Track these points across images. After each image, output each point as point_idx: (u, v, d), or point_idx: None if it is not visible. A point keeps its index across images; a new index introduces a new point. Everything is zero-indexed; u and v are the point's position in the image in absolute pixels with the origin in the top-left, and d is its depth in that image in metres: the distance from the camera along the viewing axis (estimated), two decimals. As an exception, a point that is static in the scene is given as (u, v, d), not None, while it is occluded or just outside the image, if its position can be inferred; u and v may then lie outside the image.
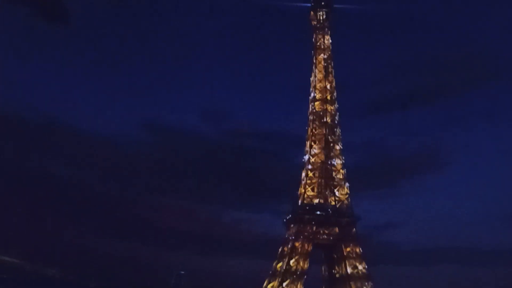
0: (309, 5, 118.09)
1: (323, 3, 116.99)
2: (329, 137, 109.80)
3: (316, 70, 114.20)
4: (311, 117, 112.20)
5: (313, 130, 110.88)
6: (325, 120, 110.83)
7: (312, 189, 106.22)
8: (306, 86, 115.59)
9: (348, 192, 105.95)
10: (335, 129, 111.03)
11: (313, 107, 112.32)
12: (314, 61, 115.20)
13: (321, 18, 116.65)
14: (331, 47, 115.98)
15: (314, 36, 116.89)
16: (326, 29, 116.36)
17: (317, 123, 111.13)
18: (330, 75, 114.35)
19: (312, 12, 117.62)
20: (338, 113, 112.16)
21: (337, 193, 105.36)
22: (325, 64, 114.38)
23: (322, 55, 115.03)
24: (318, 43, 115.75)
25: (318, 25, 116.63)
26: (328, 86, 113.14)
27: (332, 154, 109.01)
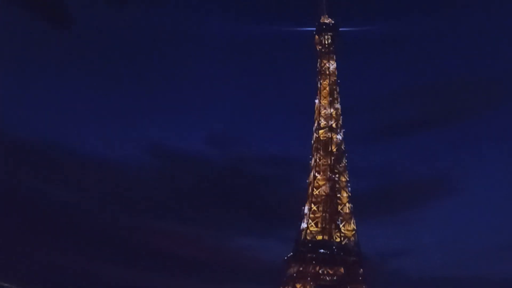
0: (314, 29, 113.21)
1: (328, 27, 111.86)
2: (334, 167, 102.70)
3: (321, 96, 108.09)
4: (315, 146, 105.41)
5: (317, 160, 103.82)
6: (330, 149, 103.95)
7: (316, 224, 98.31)
8: (312, 110, 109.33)
9: (355, 228, 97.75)
10: (341, 159, 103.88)
11: (317, 136, 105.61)
12: (319, 86, 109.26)
13: (326, 42, 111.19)
14: (336, 72, 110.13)
15: (318, 61, 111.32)
16: (331, 53, 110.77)
17: (321, 152, 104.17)
18: (336, 101, 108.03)
19: (316, 37, 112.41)
20: (344, 142, 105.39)
21: (342, 229, 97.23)
22: (330, 90, 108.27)
23: (327, 80, 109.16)
24: (323, 68, 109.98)
25: (323, 50, 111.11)
26: (334, 113, 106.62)
27: (337, 186, 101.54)
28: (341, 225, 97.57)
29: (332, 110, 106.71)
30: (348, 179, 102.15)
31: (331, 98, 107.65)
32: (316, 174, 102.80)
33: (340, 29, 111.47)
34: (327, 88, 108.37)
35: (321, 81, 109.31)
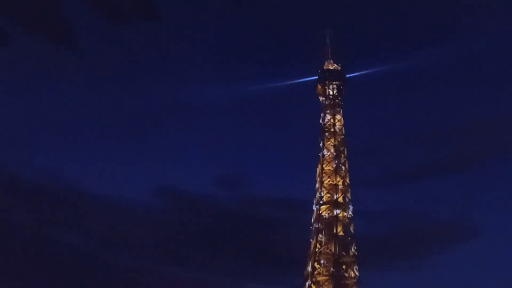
0: (316, 77, 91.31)
1: (333, 75, 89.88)
2: (340, 257, 76.67)
3: (324, 161, 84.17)
4: (315, 226, 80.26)
5: (318, 245, 78.33)
6: (335, 232, 78.47)
7: None
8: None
9: None
10: (350, 246, 77.92)
11: (318, 212, 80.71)
12: (321, 147, 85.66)
13: (330, 93, 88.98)
14: (344, 130, 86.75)
15: (321, 115, 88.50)
16: (337, 107, 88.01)
17: (323, 236, 78.81)
18: (343, 167, 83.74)
19: (319, 86, 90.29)
20: (354, 223, 79.80)
21: None
22: (336, 153, 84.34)
23: (331, 140, 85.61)
24: (327, 125, 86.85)
25: (326, 102, 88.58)
26: (340, 184, 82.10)
27: (343, 282, 75.02)
28: None
29: (338, 179, 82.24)
30: (358, 274, 75.65)
31: (337, 164, 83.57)
32: (315, 265, 76.89)
33: (347, 75, 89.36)
34: (332, 150, 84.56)
35: (324, 141, 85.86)
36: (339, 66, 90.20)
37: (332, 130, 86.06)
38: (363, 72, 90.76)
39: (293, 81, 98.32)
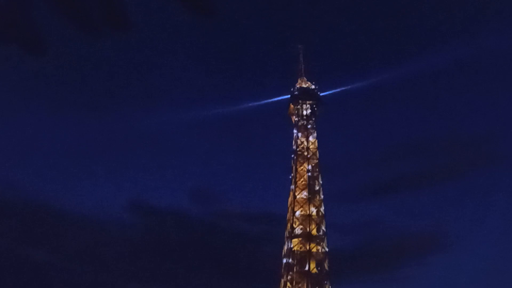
0: (288, 96, 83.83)
1: (307, 93, 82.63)
2: (313, 298, 68.32)
3: (296, 188, 76.18)
4: (286, 262, 71.83)
5: (288, 284, 69.80)
6: (308, 268, 70.19)
7: None
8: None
9: None
10: (323, 284, 69.72)
11: (289, 246, 72.36)
12: (293, 174, 77.73)
13: (303, 113, 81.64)
14: (318, 154, 79.19)
15: (294, 136, 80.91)
16: (311, 128, 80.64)
17: (295, 272, 70.36)
18: (317, 195, 75.89)
19: (292, 106, 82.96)
20: (328, 257, 71.72)
21: None
22: (310, 180, 76.55)
23: (305, 165, 77.90)
24: (300, 148, 79.28)
25: (299, 123, 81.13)
26: (314, 214, 74.16)
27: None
28: None
29: (311, 208, 74.30)
30: (334, 317, 67.43)
31: (310, 190, 75.70)
32: (286, 306, 68.30)
33: (321, 93, 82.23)
34: (305, 177, 76.72)
35: (297, 166, 78.07)
36: (313, 84, 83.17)
37: (305, 154, 78.44)
38: (337, 90, 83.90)
39: (268, 100, 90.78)
